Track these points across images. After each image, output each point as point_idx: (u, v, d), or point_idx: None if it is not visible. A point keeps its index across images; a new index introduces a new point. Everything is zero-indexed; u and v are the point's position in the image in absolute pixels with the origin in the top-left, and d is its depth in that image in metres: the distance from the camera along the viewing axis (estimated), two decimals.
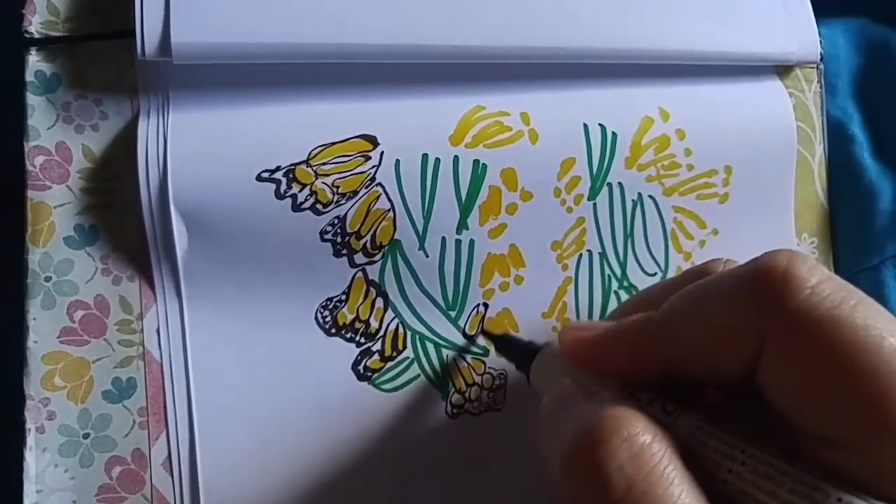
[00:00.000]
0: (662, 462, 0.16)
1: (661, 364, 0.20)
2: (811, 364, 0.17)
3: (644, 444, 0.16)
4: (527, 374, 0.25)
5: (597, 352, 0.21)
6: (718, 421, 0.18)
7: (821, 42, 0.34)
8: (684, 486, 0.16)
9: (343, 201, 0.26)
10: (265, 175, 0.25)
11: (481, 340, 0.29)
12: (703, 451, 0.17)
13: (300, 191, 0.26)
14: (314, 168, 0.26)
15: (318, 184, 0.26)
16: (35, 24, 0.25)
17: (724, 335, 0.18)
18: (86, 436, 0.25)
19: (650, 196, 0.31)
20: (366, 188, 0.27)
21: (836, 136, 0.36)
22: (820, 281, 0.17)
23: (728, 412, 0.20)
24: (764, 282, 0.17)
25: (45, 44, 0.25)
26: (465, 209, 0.28)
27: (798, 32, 0.34)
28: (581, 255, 0.30)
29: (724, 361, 0.18)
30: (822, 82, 0.35)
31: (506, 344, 0.28)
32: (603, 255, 0.30)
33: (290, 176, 0.25)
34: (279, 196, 0.25)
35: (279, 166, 0.25)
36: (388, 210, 0.27)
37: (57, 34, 0.25)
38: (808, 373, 0.17)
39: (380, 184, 0.27)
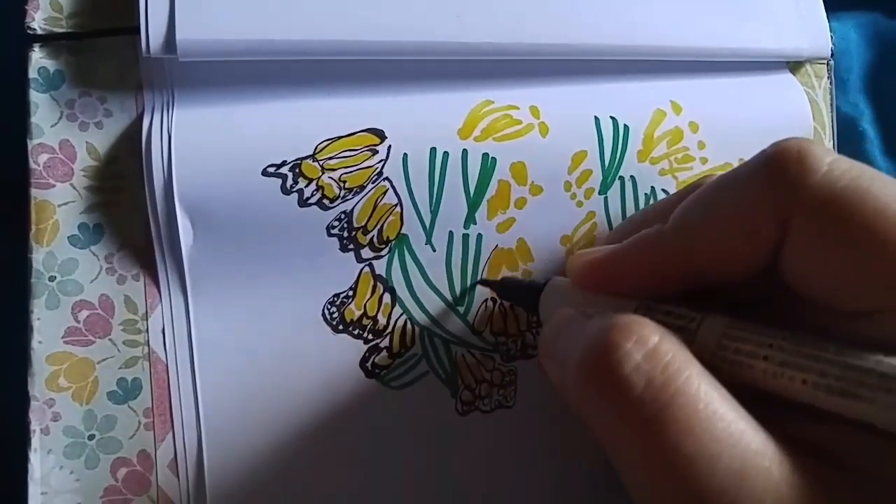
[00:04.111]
0: (678, 356, 0.16)
1: (679, 272, 0.20)
2: (838, 236, 0.17)
3: (656, 341, 0.17)
4: (535, 311, 0.25)
5: (609, 271, 0.21)
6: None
7: (831, 37, 0.34)
8: (703, 375, 0.16)
9: (350, 196, 0.26)
10: (271, 170, 0.25)
11: (481, 290, 0.28)
12: (736, 345, 0.17)
13: (306, 185, 0.25)
14: (320, 162, 0.26)
15: (325, 178, 0.26)
16: (38, 20, 0.24)
17: (746, 226, 0.18)
18: (91, 437, 0.24)
19: (663, 190, 0.30)
20: (373, 183, 0.26)
21: (847, 132, 0.35)
22: (835, 159, 0.17)
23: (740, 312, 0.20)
24: (781, 165, 0.18)
25: (48, 40, 0.25)
26: (473, 203, 0.27)
27: (809, 28, 0.33)
28: None
29: (747, 254, 0.19)
30: (833, 78, 0.35)
31: (508, 288, 0.27)
32: None
33: (297, 170, 0.25)
34: (285, 191, 0.25)
35: (285, 161, 0.25)
36: (396, 205, 0.27)
37: (60, 31, 0.25)
38: (836, 245, 0.17)
39: (387, 178, 0.26)
